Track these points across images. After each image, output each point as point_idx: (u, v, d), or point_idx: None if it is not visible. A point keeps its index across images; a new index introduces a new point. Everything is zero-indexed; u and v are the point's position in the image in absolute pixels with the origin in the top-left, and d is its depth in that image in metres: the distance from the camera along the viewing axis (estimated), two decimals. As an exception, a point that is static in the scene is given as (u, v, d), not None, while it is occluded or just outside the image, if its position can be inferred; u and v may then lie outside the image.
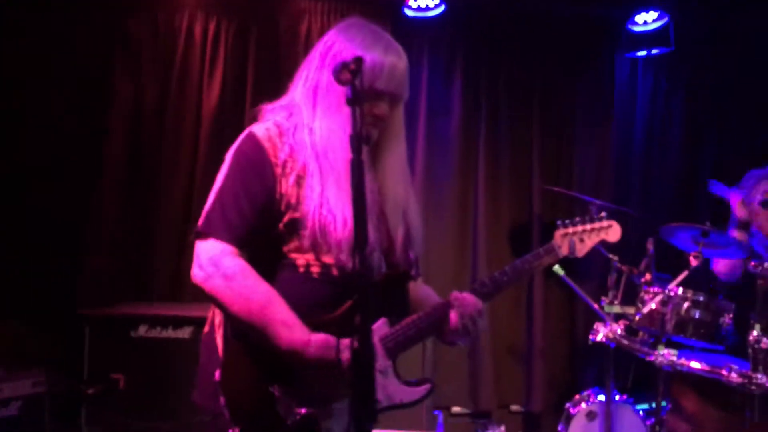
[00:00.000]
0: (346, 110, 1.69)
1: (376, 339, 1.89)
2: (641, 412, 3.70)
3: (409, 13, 4.56)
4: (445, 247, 4.82)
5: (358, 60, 1.69)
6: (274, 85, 4.90)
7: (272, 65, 4.57)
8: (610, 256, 3.69)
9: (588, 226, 2.13)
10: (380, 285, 1.93)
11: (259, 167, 1.87)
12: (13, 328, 3.83)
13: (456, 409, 4.79)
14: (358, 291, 1.56)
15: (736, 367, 2.92)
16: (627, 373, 4.32)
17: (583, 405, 3.75)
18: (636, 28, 4.70)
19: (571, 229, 2.12)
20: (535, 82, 4.93)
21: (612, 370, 3.58)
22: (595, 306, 3.61)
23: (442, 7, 4.52)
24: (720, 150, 5.07)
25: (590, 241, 2.13)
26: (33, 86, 4.30)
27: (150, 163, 4.50)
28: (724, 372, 2.95)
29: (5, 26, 4.25)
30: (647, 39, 4.72)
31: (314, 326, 1.81)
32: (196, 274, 1.84)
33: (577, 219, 2.14)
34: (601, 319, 3.54)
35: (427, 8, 4.54)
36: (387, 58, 1.92)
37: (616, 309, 3.63)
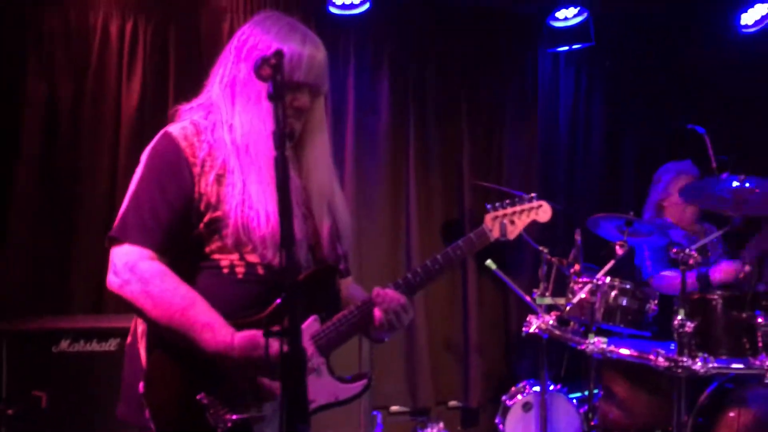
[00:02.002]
0: (266, 104, 1.66)
1: (307, 337, 1.84)
2: (575, 401, 3.77)
3: (333, 10, 4.52)
4: (378, 245, 4.81)
5: (279, 54, 1.64)
6: (196, 85, 4.78)
7: (193, 65, 4.45)
8: (540, 248, 3.75)
9: (518, 208, 2.13)
10: (308, 281, 1.88)
11: (175, 167, 1.80)
12: None
13: (394, 408, 4.78)
14: (286, 289, 1.50)
15: (662, 351, 3.00)
16: (560, 362, 4.41)
17: (519, 397, 3.80)
18: (557, 24, 4.80)
19: (500, 212, 2.12)
20: (461, 78, 4.97)
21: (546, 360, 3.64)
22: (527, 298, 3.65)
23: (367, 5, 4.49)
24: (641, 141, 5.23)
25: (521, 222, 2.12)
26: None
27: (66, 167, 4.29)
28: (651, 357, 3.03)
29: None
30: (568, 34, 4.82)
31: (241, 328, 1.74)
32: (112, 281, 1.76)
33: (507, 201, 2.14)
34: (534, 311, 3.59)
35: (352, 5, 4.50)
36: (305, 49, 1.89)
37: (548, 300, 3.68)
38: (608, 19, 4.91)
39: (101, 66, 4.37)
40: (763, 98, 4.90)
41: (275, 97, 1.61)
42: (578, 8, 4.68)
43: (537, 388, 3.73)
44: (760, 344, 2.96)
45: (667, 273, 3.85)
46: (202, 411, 1.75)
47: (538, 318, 3.53)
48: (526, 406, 3.76)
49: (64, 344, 3.47)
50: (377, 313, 1.92)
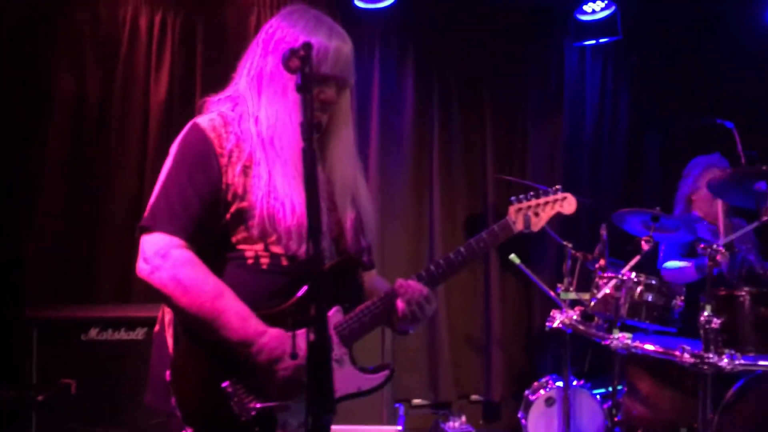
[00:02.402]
0: (292, 97, 1.70)
1: (330, 327, 1.84)
2: (598, 396, 3.76)
3: (359, 3, 4.53)
4: (402, 240, 4.82)
5: (307, 46, 1.66)
6: (223, 78, 4.81)
7: (221, 58, 4.49)
8: (565, 243, 3.73)
9: (542, 200, 2.12)
10: (332, 272, 1.88)
11: (203, 158, 1.83)
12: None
13: (416, 401, 4.80)
14: (312, 280, 1.52)
15: (688, 348, 2.98)
16: (584, 358, 4.39)
17: (542, 392, 3.79)
18: (584, 18, 4.77)
19: (524, 204, 2.10)
20: (486, 73, 4.96)
21: (569, 355, 3.63)
22: (551, 293, 3.64)
23: (393, -2, 4.50)
24: (666, 136, 5.18)
25: (545, 215, 2.11)
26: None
27: (95, 159, 4.36)
28: (677, 353, 3.00)
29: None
30: (595, 28, 4.79)
31: (265, 318, 1.77)
32: (142, 268, 1.78)
33: (531, 194, 2.13)
34: (558, 306, 3.58)
35: (378, -1, 4.51)
36: (332, 42, 1.89)
37: (572, 295, 3.66)
38: (635, 12, 4.85)
39: (130, 59, 4.43)
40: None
41: (303, 88, 1.63)
42: (606, 1, 4.64)
43: (560, 383, 3.71)
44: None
45: (673, 263, 3.81)
46: (226, 399, 1.77)
47: (561, 313, 3.51)
48: (549, 401, 3.75)
49: (92, 332, 3.53)
50: (400, 304, 1.93)
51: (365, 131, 4.75)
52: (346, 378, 1.87)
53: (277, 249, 1.83)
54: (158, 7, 4.47)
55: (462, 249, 2.03)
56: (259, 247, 1.83)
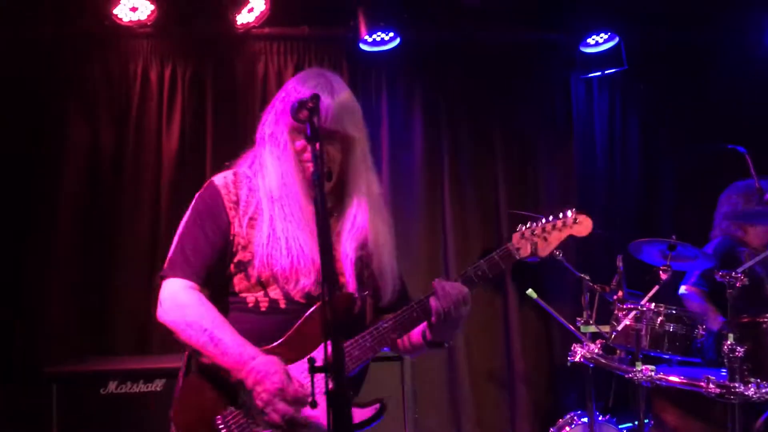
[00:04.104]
0: (291, 150, 1.92)
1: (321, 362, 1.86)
2: (625, 431, 3.68)
3: (365, 48, 4.59)
4: (417, 278, 4.77)
5: (315, 97, 1.71)
6: (233, 127, 4.90)
7: (230, 107, 4.56)
8: (582, 275, 3.70)
9: (550, 223, 2.07)
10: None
11: (214, 211, 2.00)
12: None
13: (439, 442, 4.72)
14: (329, 325, 1.53)
15: (713, 378, 2.93)
16: (608, 392, 4.31)
17: (567, 428, 3.72)
18: (588, 50, 4.80)
19: (530, 229, 2.06)
20: (494, 109, 4.99)
21: (593, 390, 3.57)
22: (571, 327, 3.60)
23: (397, 41, 4.56)
24: (679, 163, 5.16)
25: (554, 238, 2.05)
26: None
27: (109, 211, 4.41)
28: (702, 384, 2.95)
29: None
30: (600, 59, 4.82)
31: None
32: (159, 312, 1.95)
33: (542, 219, 2.10)
34: (578, 340, 3.54)
35: (383, 41, 4.57)
36: (334, 99, 1.97)
37: (592, 328, 3.63)
38: (640, 41, 4.89)
39: (141, 112, 4.51)
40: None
41: (312, 138, 1.66)
42: (608, 33, 4.68)
43: (585, 419, 3.65)
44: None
45: (693, 296, 3.77)
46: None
47: (582, 347, 3.46)
48: (575, 438, 3.68)
49: (111, 386, 3.52)
50: (434, 302, 1.98)
51: (376, 170, 4.77)
52: None
53: (275, 294, 1.96)
54: (168, 61, 4.56)
55: (459, 279, 2.06)
56: (259, 293, 1.97)
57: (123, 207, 4.44)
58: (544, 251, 2.06)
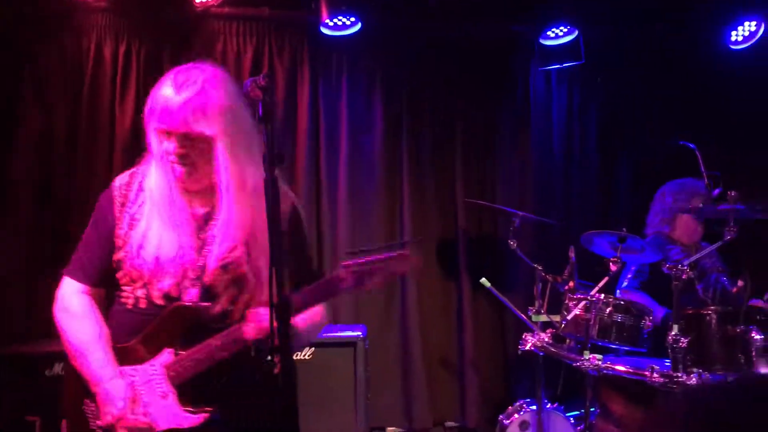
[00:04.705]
0: (158, 153, 1.98)
1: (160, 367, 2.01)
2: (572, 419, 3.75)
3: (326, 31, 4.55)
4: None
5: (269, 75, 1.68)
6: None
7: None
8: (535, 265, 3.75)
9: (375, 258, 2.03)
10: (169, 316, 2.02)
11: (105, 212, 2.12)
12: None
13: (391, 429, 4.75)
14: (276, 308, 1.52)
15: (657, 367, 3.00)
16: (557, 381, 4.39)
17: (516, 416, 3.78)
18: (548, 42, 4.83)
19: (356, 263, 2.02)
20: (454, 97, 5.00)
21: (542, 378, 3.62)
22: (523, 316, 3.65)
23: (359, 26, 4.53)
24: (635, 157, 5.25)
25: (378, 278, 2.02)
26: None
27: (61, 192, 4.30)
28: (646, 373, 3.02)
29: None
30: (559, 52, 4.85)
31: (120, 351, 2.05)
32: (53, 307, 2.14)
33: (370, 250, 2.07)
34: (530, 329, 3.58)
35: (344, 26, 4.53)
36: (179, 96, 1.95)
37: (543, 318, 3.67)
38: (599, 36, 4.94)
39: (94, 89, 4.40)
40: (754, 113, 4.93)
41: (264, 119, 1.64)
42: (568, 27, 4.72)
43: (534, 407, 3.71)
44: (755, 358, 2.95)
45: (638, 297, 3.84)
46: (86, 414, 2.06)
47: (533, 336, 3.52)
48: (523, 425, 3.74)
49: (57, 367, 3.45)
50: (246, 331, 1.98)
51: (335, 155, 4.76)
52: (167, 413, 2.00)
53: (140, 293, 2.06)
54: (123, 37, 4.44)
55: (295, 300, 2.01)
56: (129, 291, 2.08)
57: (76, 186, 4.33)
58: (371, 285, 2.05)
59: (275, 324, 1.56)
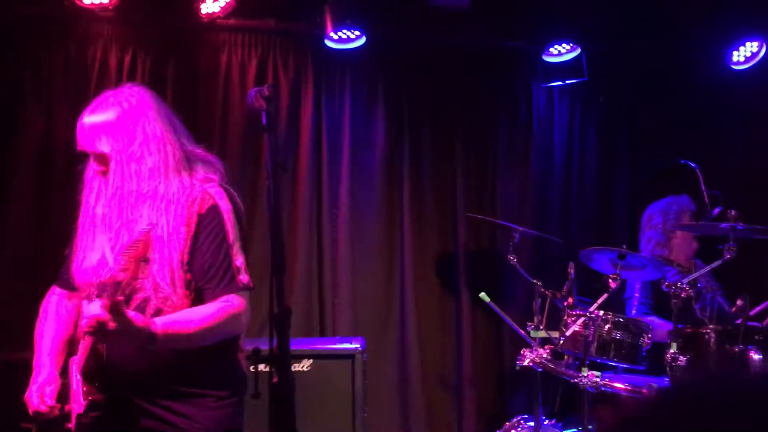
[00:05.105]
0: (90, 172, 2.15)
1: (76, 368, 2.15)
2: (569, 436, 3.73)
3: (330, 44, 4.58)
4: (373, 277, 4.81)
5: (273, 86, 1.70)
6: (193, 119, 4.84)
7: (191, 98, 4.49)
8: (534, 281, 3.75)
9: None
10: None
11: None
12: None
13: (387, 443, 4.73)
14: (276, 317, 1.52)
15: (655, 385, 2.99)
16: (555, 397, 4.37)
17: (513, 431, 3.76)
18: (550, 59, 4.86)
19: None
20: (456, 113, 5.02)
21: (540, 394, 3.61)
22: (521, 331, 3.64)
23: (363, 39, 4.55)
24: (634, 175, 5.27)
25: None
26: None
27: (61, 200, 4.30)
28: (644, 391, 3.01)
29: None
30: (562, 69, 4.88)
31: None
32: None
33: None
34: (528, 345, 3.58)
35: (348, 39, 4.56)
36: (84, 118, 2.16)
37: (542, 333, 3.67)
38: (601, 54, 4.97)
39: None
40: (754, 134, 4.95)
41: (266, 128, 1.65)
42: (570, 44, 4.75)
43: (531, 423, 3.69)
44: (754, 379, 2.94)
45: (653, 319, 3.83)
46: None
47: (532, 351, 3.51)
48: (520, 441, 3.72)
49: (54, 375, 3.43)
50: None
51: (336, 167, 4.77)
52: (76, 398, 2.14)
53: (78, 299, 2.27)
54: (129, 47, 4.47)
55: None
56: (76, 294, 2.29)
57: (76, 197, 4.32)
58: None
59: (274, 334, 1.56)
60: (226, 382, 2.14)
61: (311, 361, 3.85)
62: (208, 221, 2.06)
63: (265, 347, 1.65)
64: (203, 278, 2.04)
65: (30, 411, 2.22)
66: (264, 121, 1.67)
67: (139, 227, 2.00)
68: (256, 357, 1.57)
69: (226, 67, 4.59)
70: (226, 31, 4.62)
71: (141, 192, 2.07)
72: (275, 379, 1.53)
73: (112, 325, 1.82)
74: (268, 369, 1.59)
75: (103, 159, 2.12)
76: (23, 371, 3.41)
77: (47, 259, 4.21)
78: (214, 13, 4.40)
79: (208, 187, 2.10)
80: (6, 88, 4.27)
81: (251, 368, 2.28)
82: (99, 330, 1.84)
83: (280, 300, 1.54)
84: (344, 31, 4.51)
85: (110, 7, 4.26)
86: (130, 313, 1.87)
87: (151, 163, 2.08)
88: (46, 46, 4.35)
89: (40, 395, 2.19)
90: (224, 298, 2.03)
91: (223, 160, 4.50)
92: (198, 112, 4.52)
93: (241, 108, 4.54)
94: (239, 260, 2.06)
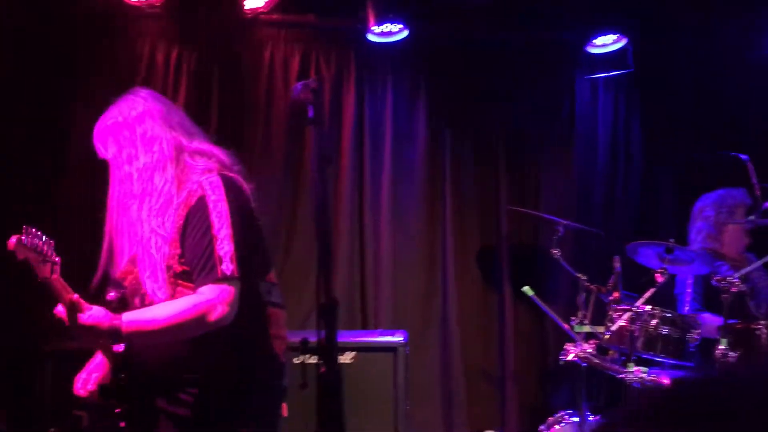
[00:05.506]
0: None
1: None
2: (614, 432, 3.68)
3: (372, 38, 4.58)
4: (415, 271, 4.81)
5: (319, 79, 1.71)
6: (238, 113, 4.89)
7: (235, 93, 4.55)
8: (579, 275, 3.71)
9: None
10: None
11: None
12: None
13: (430, 436, 4.73)
14: (325, 309, 1.54)
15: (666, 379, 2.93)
16: (599, 392, 4.32)
17: (557, 427, 3.73)
18: (595, 51, 4.79)
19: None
20: (498, 105, 4.98)
21: (584, 390, 3.58)
22: (565, 326, 3.61)
23: (405, 32, 4.55)
24: (680, 168, 5.15)
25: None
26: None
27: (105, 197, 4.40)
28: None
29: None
30: (606, 61, 4.81)
31: None
32: None
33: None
34: (572, 339, 3.55)
35: (391, 33, 4.56)
36: (97, 126, 2.26)
37: (586, 328, 3.63)
38: (647, 44, 4.87)
39: (146, 94, 4.49)
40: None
41: (314, 121, 1.66)
42: (617, 35, 4.67)
43: (575, 419, 3.66)
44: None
45: (706, 316, 3.75)
46: None
47: (576, 346, 3.48)
48: (564, 436, 3.69)
49: (105, 364, 3.52)
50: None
51: (379, 162, 4.79)
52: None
53: None
54: (175, 43, 4.55)
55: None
56: None
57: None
58: None
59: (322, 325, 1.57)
60: (251, 372, 2.16)
61: (354, 353, 3.87)
62: (194, 213, 2.08)
63: (312, 339, 1.67)
64: (191, 269, 2.07)
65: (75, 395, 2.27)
66: (311, 113, 1.68)
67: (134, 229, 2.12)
68: (303, 348, 1.59)
69: (269, 63, 4.63)
70: (269, 26, 4.66)
71: (135, 193, 2.15)
72: (323, 370, 1.54)
73: (69, 322, 1.98)
74: (314, 360, 1.60)
75: (110, 164, 2.24)
76: (80, 361, 3.53)
77: (93, 243, 4.31)
78: (257, 8, 4.44)
79: (203, 179, 2.10)
80: (57, 85, 4.37)
81: (295, 360, 2.31)
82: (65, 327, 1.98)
83: (327, 292, 1.55)
84: (386, 24, 4.51)
85: (157, 4, 4.34)
86: (94, 311, 1.99)
87: (143, 163, 2.15)
88: (95, 43, 4.44)
89: (84, 381, 2.26)
90: (201, 289, 2.02)
91: (266, 155, 4.62)
92: (242, 108, 4.58)
93: (285, 103, 4.59)
94: (224, 250, 2.01)
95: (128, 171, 2.16)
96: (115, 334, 1.97)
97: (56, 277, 2.03)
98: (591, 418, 3.66)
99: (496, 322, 4.88)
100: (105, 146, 2.22)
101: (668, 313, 3.43)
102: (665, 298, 3.95)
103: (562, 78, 5.07)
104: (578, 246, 4.79)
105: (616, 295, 3.50)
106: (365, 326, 4.67)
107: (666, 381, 3.14)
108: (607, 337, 3.45)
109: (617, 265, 3.52)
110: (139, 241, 2.11)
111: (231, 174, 2.15)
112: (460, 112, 4.95)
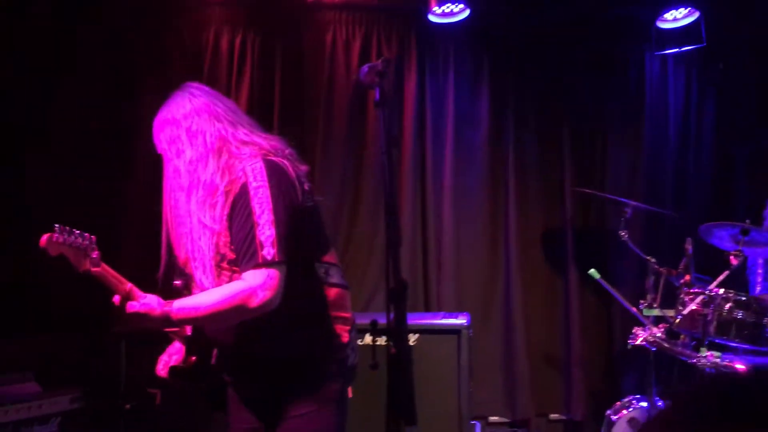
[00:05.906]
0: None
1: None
2: (685, 417, 3.60)
3: (433, 19, 4.54)
4: (478, 254, 4.78)
5: (386, 61, 1.70)
6: (300, 97, 4.91)
7: (298, 76, 4.59)
8: (648, 258, 3.61)
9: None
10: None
11: None
12: (50, 344, 3.87)
13: (493, 419, 4.72)
14: (395, 291, 1.54)
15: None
16: (669, 377, 4.22)
17: (625, 412, 3.67)
18: (665, 26, 4.63)
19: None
20: (563, 85, 4.88)
21: (653, 374, 3.50)
22: (634, 309, 3.53)
23: (467, 12, 4.49)
24: (755, 147, 4.95)
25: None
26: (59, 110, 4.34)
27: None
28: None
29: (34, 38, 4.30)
30: (677, 36, 4.64)
31: None
32: None
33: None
34: (639, 323, 3.47)
35: (452, 13, 4.51)
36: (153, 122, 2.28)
37: (656, 312, 3.55)
38: (720, 18, 4.68)
39: (212, 81, 4.56)
40: None
41: (381, 103, 1.66)
42: (688, 8, 4.50)
43: (644, 404, 3.59)
44: None
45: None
46: None
47: (645, 330, 3.40)
48: (632, 422, 3.62)
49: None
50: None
51: (440, 144, 4.76)
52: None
53: None
54: (239, 28, 4.61)
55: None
56: None
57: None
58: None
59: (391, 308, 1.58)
60: (312, 353, 2.19)
61: (417, 335, 3.88)
62: (238, 200, 2.10)
63: (380, 320, 1.67)
64: (236, 256, 2.11)
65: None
66: (378, 96, 1.67)
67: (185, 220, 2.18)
68: (373, 328, 1.60)
69: (331, 46, 4.65)
70: (330, 9, 4.68)
71: (183, 186, 2.19)
72: (393, 350, 1.55)
73: (128, 309, 2.08)
74: (383, 342, 1.61)
75: (164, 158, 2.28)
76: (151, 343, 3.66)
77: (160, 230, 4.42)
78: (319, -10, 4.46)
79: (247, 165, 2.12)
80: (126, 73, 4.48)
81: (359, 341, 2.33)
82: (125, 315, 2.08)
83: (396, 273, 1.56)
84: (448, 4, 4.46)
85: (221, -10, 4.40)
86: (147, 299, 2.11)
87: (189, 156, 2.18)
88: (162, 31, 4.54)
89: (165, 363, 2.34)
90: (244, 275, 2.04)
91: (329, 136, 4.64)
92: (304, 91, 4.61)
93: (346, 86, 4.60)
94: (264, 235, 2.02)
95: (177, 165, 2.21)
96: (166, 321, 2.07)
97: (99, 270, 2.10)
98: (660, 403, 3.59)
99: (561, 305, 4.81)
100: (158, 142, 2.28)
101: (742, 296, 3.32)
102: (739, 281, 3.82)
103: (631, 54, 4.92)
104: (647, 228, 4.67)
105: (687, 278, 3.41)
106: (428, 308, 4.68)
107: (741, 367, 3.04)
108: (678, 321, 3.36)
109: (689, 247, 3.42)
110: (189, 232, 2.17)
111: (276, 158, 2.16)
112: (524, 91, 4.87)
